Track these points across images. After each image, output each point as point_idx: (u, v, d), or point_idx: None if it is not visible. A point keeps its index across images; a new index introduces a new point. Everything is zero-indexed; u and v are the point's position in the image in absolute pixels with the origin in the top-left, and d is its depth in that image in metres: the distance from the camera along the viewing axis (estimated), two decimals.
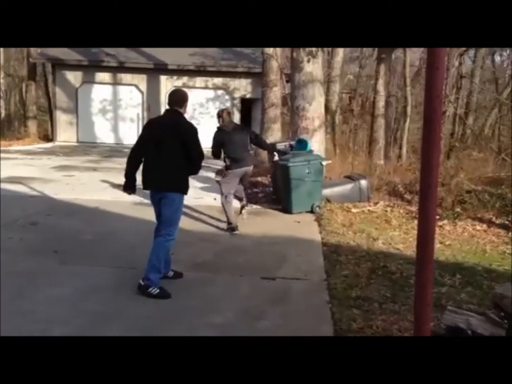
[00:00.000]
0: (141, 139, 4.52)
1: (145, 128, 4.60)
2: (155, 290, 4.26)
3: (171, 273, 4.68)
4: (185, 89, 4.98)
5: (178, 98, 4.46)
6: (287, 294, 4.47)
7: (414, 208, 7.82)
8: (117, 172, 11.75)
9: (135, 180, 4.57)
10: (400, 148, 19.44)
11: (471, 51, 21.62)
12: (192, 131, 4.37)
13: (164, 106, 19.22)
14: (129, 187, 4.61)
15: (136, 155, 4.52)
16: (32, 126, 22.83)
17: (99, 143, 19.61)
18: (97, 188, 9.54)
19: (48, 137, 21.65)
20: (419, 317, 2.51)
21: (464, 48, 18.10)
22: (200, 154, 4.36)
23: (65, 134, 19.89)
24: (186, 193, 4.43)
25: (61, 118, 19.91)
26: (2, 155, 14.54)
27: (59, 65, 19.69)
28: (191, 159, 4.34)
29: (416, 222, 6.81)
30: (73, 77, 19.74)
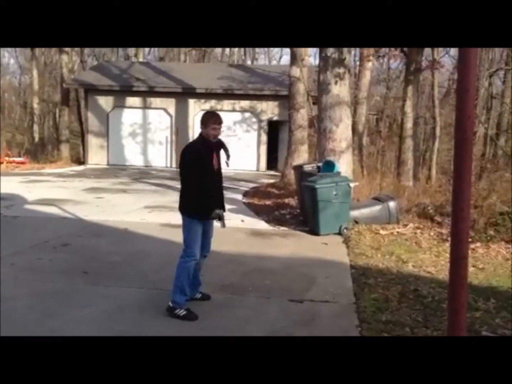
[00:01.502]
0: None
1: None
2: (182, 312, 4.27)
3: (199, 295, 4.68)
4: None
5: (201, 119, 4.44)
6: (315, 317, 4.40)
7: (444, 231, 7.66)
8: (144, 194, 11.93)
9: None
10: (429, 169, 19.17)
11: (501, 72, 21.35)
12: (183, 158, 4.35)
13: (192, 129, 19.57)
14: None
15: None
16: (64, 149, 23.45)
17: (128, 165, 19.97)
18: (127, 209, 9.67)
19: (80, 160, 22.18)
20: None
21: (494, 69, 17.88)
22: (183, 180, 4.37)
23: (96, 157, 20.34)
24: (190, 217, 4.35)
25: (93, 141, 20.39)
26: (35, 177, 14.93)
27: (91, 90, 20.27)
28: (183, 188, 4.41)
29: (447, 244, 6.69)
30: (105, 101, 20.26)
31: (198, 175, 4.26)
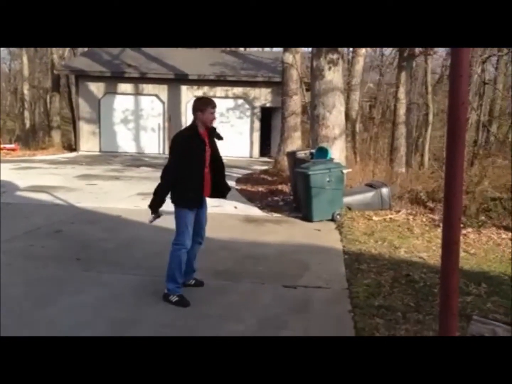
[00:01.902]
0: None
1: None
2: (174, 298, 4.29)
3: (192, 281, 4.69)
4: None
5: (193, 106, 4.36)
6: (308, 302, 4.44)
7: (436, 216, 7.71)
8: (136, 180, 11.88)
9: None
10: (422, 155, 19.26)
11: (494, 58, 21.35)
12: (173, 144, 4.31)
13: (184, 116, 19.45)
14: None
15: None
16: (56, 136, 23.29)
17: (121, 152, 19.86)
18: (120, 196, 9.64)
19: (71, 147, 22.05)
20: (444, 327, 2.46)
21: (487, 55, 17.87)
22: (167, 173, 4.32)
23: (88, 144, 20.20)
24: (178, 205, 4.36)
25: (84, 128, 20.24)
26: (27, 164, 14.83)
27: (82, 76, 20.06)
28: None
29: (439, 230, 6.74)
30: (96, 88, 20.07)
31: (188, 165, 4.22)
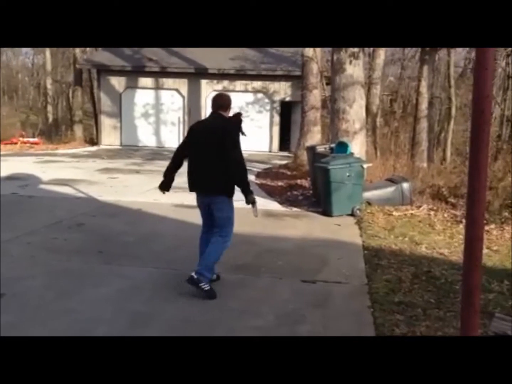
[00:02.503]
0: (185, 141, 4.57)
1: (191, 131, 4.59)
2: (207, 287, 4.29)
3: (214, 276, 4.70)
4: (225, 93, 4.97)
5: (223, 102, 4.44)
6: (327, 298, 4.42)
7: (459, 212, 7.60)
8: (157, 174, 11.98)
9: (171, 180, 4.69)
10: (444, 150, 18.98)
11: None
12: (234, 137, 4.33)
13: (204, 110, 19.49)
14: (164, 186, 4.72)
15: (178, 157, 4.60)
16: (78, 130, 23.59)
17: (141, 146, 20.02)
18: (140, 190, 9.73)
19: (93, 141, 22.29)
20: (466, 324, 2.42)
21: (511, 48, 17.49)
22: (240, 163, 4.26)
23: (109, 137, 20.40)
24: (231, 197, 4.42)
25: (106, 122, 20.45)
26: (49, 158, 15.05)
27: (104, 71, 20.25)
28: (230, 166, 4.25)
29: (461, 226, 6.64)
30: (117, 82, 20.24)
31: (242, 156, 4.29)
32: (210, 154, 4.28)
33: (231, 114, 4.55)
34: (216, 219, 4.41)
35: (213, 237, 4.43)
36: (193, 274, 4.30)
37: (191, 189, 4.52)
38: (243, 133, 4.49)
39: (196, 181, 4.43)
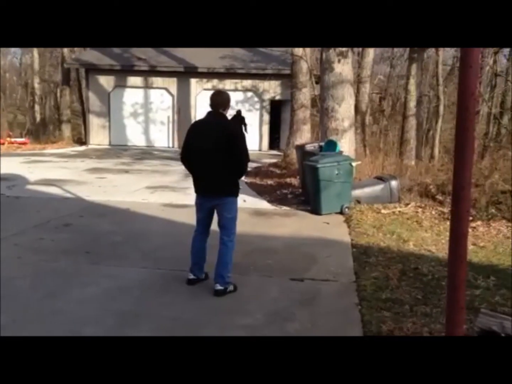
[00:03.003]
0: (189, 141, 4.44)
1: (191, 129, 4.48)
2: (232, 288, 4.42)
3: (202, 275, 4.69)
4: None
5: (223, 101, 4.40)
6: (316, 295, 4.44)
7: (446, 209, 7.65)
8: (147, 174, 11.93)
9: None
10: (432, 148, 19.12)
11: (506, 49, 21.08)
12: (240, 135, 4.35)
13: (194, 109, 19.44)
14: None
15: (188, 158, 4.48)
16: (66, 129, 23.43)
17: (130, 146, 19.92)
18: (129, 190, 9.69)
19: (81, 140, 22.17)
20: (452, 320, 2.45)
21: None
22: (247, 158, 4.35)
23: (98, 137, 20.29)
24: (237, 196, 4.47)
25: (94, 121, 20.32)
26: (37, 158, 14.93)
27: (92, 70, 20.12)
28: (239, 163, 4.32)
29: (448, 223, 6.67)
30: (106, 81, 20.12)
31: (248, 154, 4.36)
32: (217, 155, 4.24)
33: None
34: (223, 220, 4.41)
35: (221, 242, 4.43)
36: (217, 287, 4.33)
37: (197, 190, 4.47)
38: (246, 131, 4.49)
39: (203, 183, 4.38)
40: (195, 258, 4.56)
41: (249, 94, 20.02)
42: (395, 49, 24.84)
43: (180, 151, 4.58)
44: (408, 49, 18.43)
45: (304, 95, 14.92)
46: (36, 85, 29.24)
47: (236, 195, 4.45)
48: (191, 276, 4.59)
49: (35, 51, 28.07)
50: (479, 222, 7.03)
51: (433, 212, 7.79)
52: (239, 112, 4.53)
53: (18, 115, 33.01)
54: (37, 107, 29.81)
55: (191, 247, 4.59)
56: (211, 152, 4.24)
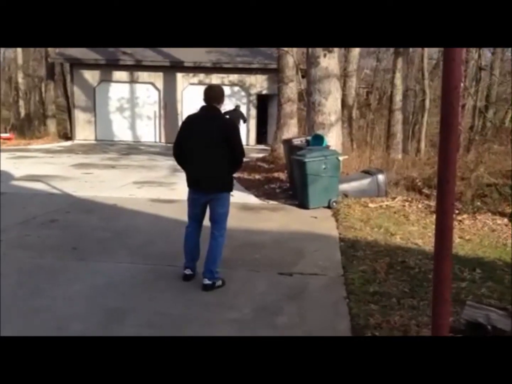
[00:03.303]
0: (182, 136, 4.40)
1: (185, 124, 4.44)
2: (220, 283, 4.41)
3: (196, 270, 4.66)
4: (200, 86, 4.93)
5: (218, 95, 4.37)
6: (304, 290, 4.45)
7: (432, 203, 7.71)
8: (133, 169, 11.85)
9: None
10: (419, 142, 19.26)
11: None
12: (236, 130, 4.38)
13: (180, 104, 19.34)
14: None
15: (181, 153, 4.44)
16: (51, 125, 23.15)
17: (117, 141, 19.78)
18: (116, 185, 9.62)
19: (67, 136, 21.94)
20: (438, 313, 2.47)
21: None
22: (243, 153, 4.37)
23: (84, 132, 20.11)
24: (230, 191, 4.50)
25: (80, 116, 20.14)
26: (22, 153, 14.76)
27: (77, 64, 19.91)
28: (235, 158, 4.34)
29: (435, 216, 6.74)
30: (91, 76, 19.93)
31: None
32: (212, 150, 4.23)
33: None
34: (216, 215, 4.43)
35: (211, 237, 4.44)
36: (205, 282, 4.33)
37: (191, 185, 4.44)
38: (245, 123, 4.57)
39: (198, 178, 4.35)
40: (191, 254, 4.55)
41: (236, 88, 19.97)
42: None
43: (173, 146, 4.53)
44: None
45: (291, 90, 14.92)
46: (20, 80, 28.84)
47: (230, 190, 4.47)
48: (189, 272, 4.55)
49: None
50: (465, 215, 7.10)
51: (420, 206, 7.85)
52: (237, 106, 4.58)
53: (2, 110, 32.53)
54: (21, 102, 29.42)
55: (184, 244, 4.57)
56: (207, 147, 4.23)
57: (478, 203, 7.48)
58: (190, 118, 4.49)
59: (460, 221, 6.86)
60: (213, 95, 4.35)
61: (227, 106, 19.41)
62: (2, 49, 33.60)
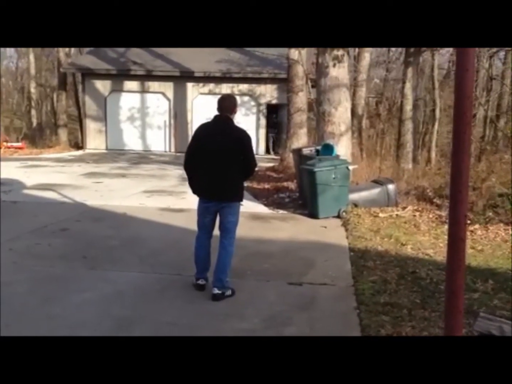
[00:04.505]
0: (195, 144, 4.42)
1: (198, 134, 4.46)
2: (230, 293, 4.39)
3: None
4: (210, 96, 4.95)
5: (231, 105, 4.42)
6: (314, 300, 4.42)
7: (443, 213, 7.65)
8: (142, 178, 11.91)
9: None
10: (429, 151, 19.15)
11: (501, 53, 21.18)
12: (249, 139, 4.40)
13: (190, 113, 19.41)
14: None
15: (192, 163, 4.45)
16: (62, 134, 23.33)
17: (127, 150, 19.88)
18: (126, 194, 9.66)
19: (78, 145, 22.09)
20: (450, 324, 2.43)
21: (494, 50, 17.73)
22: (254, 162, 4.41)
23: (95, 141, 20.25)
24: (240, 200, 4.54)
25: (91, 126, 20.29)
26: (34, 162, 14.89)
27: (88, 74, 20.10)
28: (247, 167, 4.38)
29: (446, 227, 6.68)
30: (102, 86, 20.10)
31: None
32: (225, 160, 4.27)
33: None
34: (226, 223, 4.43)
35: (221, 246, 4.43)
36: (215, 291, 4.31)
37: (203, 194, 4.44)
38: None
39: (209, 188, 4.36)
40: (203, 264, 4.54)
41: (246, 98, 20.02)
42: (391, 53, 24.89)
43: (184, 157, 4.53)
44: (403, 53, 18.47)
45: (301, 99, 14.93)
46: (33, 90, 29.19)
47: (241, 199, 4.50)
48: (202, 282, 4.53)
49: (31, 55, 28.01)
50: (477, 226, 7.03)
51: (431, 216, 7.79)
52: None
53: (14, 120, 32.90)
54: (33, 112, 29.74)
55: (195, 254, 4.56)
56: (219, 155, 4.26)
57: (490, 213, 7.41)
58: (203, 127, 4.51)
59: (472, 231, 6.79)
60: (227, 104, 4.39)
61: (236, 115, 19.60)
62: (15, 59, 34.05)
